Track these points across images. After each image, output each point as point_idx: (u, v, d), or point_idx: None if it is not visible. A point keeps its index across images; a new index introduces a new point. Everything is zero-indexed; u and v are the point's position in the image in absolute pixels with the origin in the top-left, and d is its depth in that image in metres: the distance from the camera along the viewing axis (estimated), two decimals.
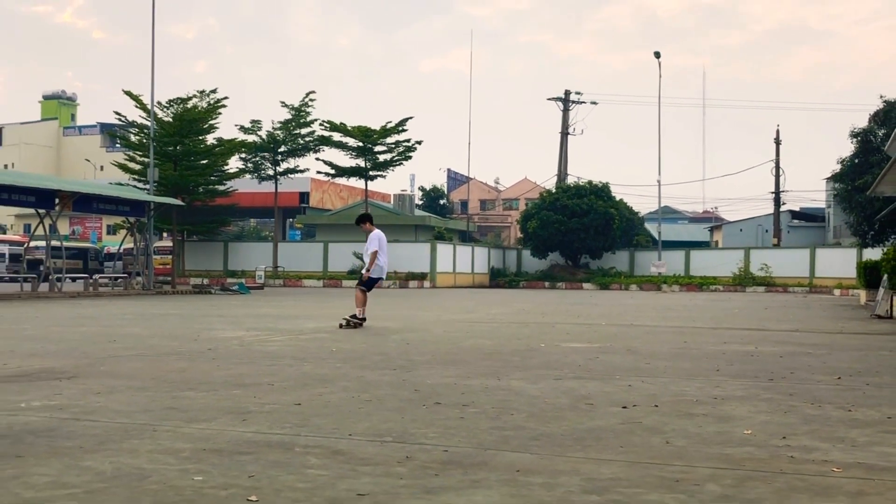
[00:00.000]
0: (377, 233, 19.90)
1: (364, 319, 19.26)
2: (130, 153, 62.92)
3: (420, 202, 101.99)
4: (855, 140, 56.57)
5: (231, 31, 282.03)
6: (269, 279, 61.20)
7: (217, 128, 61.07)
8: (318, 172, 69.79)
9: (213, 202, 63.76)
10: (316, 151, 66.47)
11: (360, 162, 65.31)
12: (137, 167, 60.55)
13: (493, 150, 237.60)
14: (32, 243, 51.33)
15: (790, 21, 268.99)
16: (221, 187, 63.22)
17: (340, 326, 18.95)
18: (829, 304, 39.11)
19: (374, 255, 19.50)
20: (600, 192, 71.45)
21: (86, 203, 42.69)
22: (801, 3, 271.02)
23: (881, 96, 55.46)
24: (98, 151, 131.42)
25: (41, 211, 39.97)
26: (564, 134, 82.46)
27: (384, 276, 20.42)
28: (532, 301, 38.85)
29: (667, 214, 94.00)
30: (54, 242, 42.84)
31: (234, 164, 65.45)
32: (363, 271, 20.18)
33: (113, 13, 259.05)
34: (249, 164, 66.38)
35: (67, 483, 5.31)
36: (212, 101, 59.94)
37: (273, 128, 65.11)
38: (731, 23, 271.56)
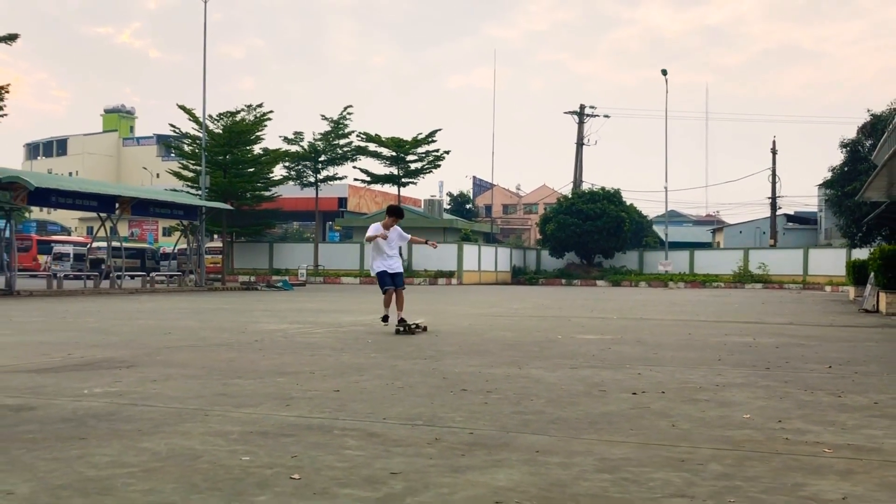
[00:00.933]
0: (393, 230, 17.63)
1: (386, 318, 17.57)
2: (184, 162, 63.09)
3: (448, 207, 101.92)
4: (844, 150, 56.97)
5: (276, 51, 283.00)
6: (311, 277, 61.29)
7: (263, 139, 61.32)
8: (355, 179, 69.86)
9: (260, 207, 63.91)
10: (353, 160, 66.53)
11: (394, 170, 65.38)
12: (190, 175, 60.74)
13: (514, 159, 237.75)
14: (95, 244, 51.50)
15: (785, 42, 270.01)
16: (267, 193, 63.33)
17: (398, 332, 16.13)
18: (820, 300, 38.94)
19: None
20: (612, 198, 71.51)
21: (143, 207, 42.83)
22: (794, 26, 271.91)
23: (868, 110, 55.80)
24: (154, 160, 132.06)
25: (103, 215, 40.09)
26: (580, 144, 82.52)
27: (380, 273, 17.51)
28: (550, 297, 38.80)
29: (673, 218, 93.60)
30: (114, 243, 43.04)
31: (278, 171, 65.62)
32: None
33: (167, 34, 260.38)
34: (292, 172, 66.48)
35: (126, 462, 5.32)
36: (258, 115, 60.11)
37: (314, 139, 65.22)
38: (731, 44, 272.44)
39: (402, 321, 16.62)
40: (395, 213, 17.81)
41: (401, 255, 17.77)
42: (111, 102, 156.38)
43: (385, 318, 17.59)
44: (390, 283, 17.35)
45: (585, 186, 78.45)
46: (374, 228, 17.33)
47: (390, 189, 70.57)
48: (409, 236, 18.43)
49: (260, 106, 60.32)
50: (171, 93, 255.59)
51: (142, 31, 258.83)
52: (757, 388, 8.98)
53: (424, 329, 16.38)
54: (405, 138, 64.15)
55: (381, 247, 17.44)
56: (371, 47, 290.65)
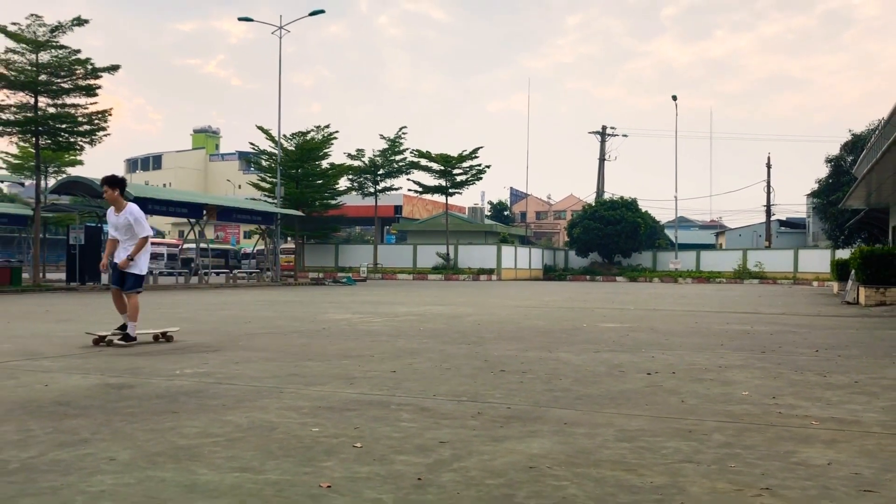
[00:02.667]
0: (121, 215, 11.23)
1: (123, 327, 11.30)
2: (262, 175, 63.41)
3: (488, 213, 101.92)
4: (829, 164, 57.31)
5: (340, 80, 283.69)
6: (371, 274, 61.36)
7: (330, 155, 61.49)
8: (409, 190, 70.00)
9: (327, 213, 64.05)
10: (407, 173, 66.60)
11: (442, 182, 65.33)
12: (267, 186, 61.05)
13: (546, 172, 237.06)
14: (185, 245, 51.94)
15: (777, 71, 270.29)
16: (333, 202, 63.49)
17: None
18: (809, 294, 38.64)
19: (145, 241, 11.22)
20: (630, 206, 71.78)
21: (227, 214, 43.11)
22: (786, 57, 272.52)
23: (850, 130, 56.18)
24: (236, 174, 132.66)
25: (192, 220, 40.35)
26: (602, 160, 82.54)
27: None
28: (576, 291, 38.68)
29: (682, 223, 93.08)
30: (202, 245, 43.30)
31: (343, 183, 65.73)
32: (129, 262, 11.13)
33: (247, 65, 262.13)
34: (355, 184, 66.66)
35: (212, 433, 5.37)
36: (326, 134, 60.34)
37: (373, 155, 65.39)
38: (731, 74, 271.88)
39: (121, 328, 11.27)
40: (112, 183, 11.23)
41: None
42: (199, 123, 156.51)
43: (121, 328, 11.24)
44: (115, 281, 11.32)
45: (607, 196, 78.34)
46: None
47: (439, 198, 70.55)
48: (142, 234, 11.24)
49: (327, 126, 60.62)
50: (250, 115, 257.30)
51: (225, 62, 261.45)
52: (754, 369, 8.94)
53: (168, 338, 11.56)
54: (452, 154, 64.12)
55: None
56: (421, 76, 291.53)
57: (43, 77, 33.40)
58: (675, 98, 77.68)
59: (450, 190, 65.77)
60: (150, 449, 4.91)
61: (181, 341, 11.55)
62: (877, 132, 31.10)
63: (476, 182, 66.05)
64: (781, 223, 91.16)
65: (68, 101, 34.40)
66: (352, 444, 5.08)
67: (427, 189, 66.71)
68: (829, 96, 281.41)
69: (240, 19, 49.84)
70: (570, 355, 10.13)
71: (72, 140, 35.55)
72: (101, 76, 34.39)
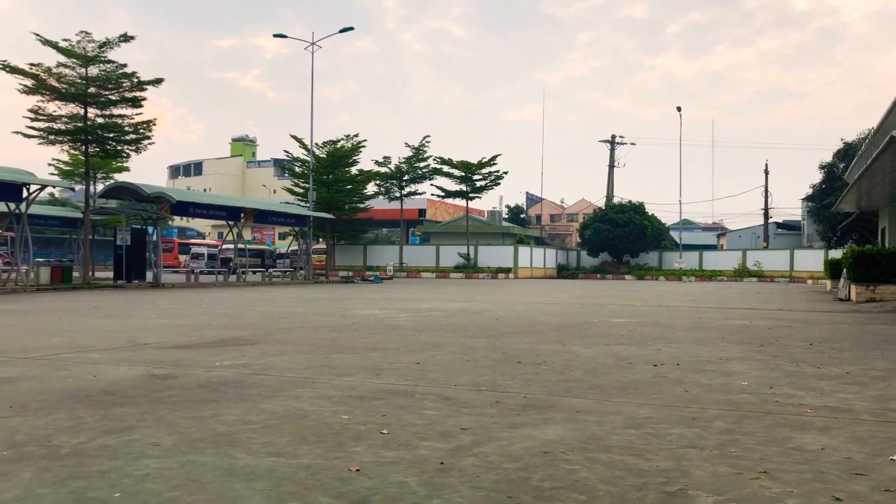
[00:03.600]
0: None
1: None
2: (295, 181, 63.54)
3: (506, 216, 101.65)
4: (823, 171, 57.37)
5: (367, 92, 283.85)
6: (397, 272, 61.38)
7: (358, 162, 61.46)
8: (432, 195, 69.93)
9: (356, 216, 64.06)
10: (430, 179, 66.52)
11: (463, 187, 65.22)
12: (300, 191, 61.20)
13: (559, 178, 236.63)
14: (224, 246, 52.08)
15: (774, 84, 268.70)
16: (361, 205, 63.49)
17: None
18: (804, 291, 38.42)
19: None
20: (637, 209, 71.48)
21: (263, 217, 43.23)
22: (783, 70, 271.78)
23: (842, 139, 56.23)
24: (272, 180, 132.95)
25: (230, 222, 40.48)
26: (611, 166, 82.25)
27: None
28: (587, 288, 38.61)
29: (686, 225, 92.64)
30: (240, 245, 43.40)
31: (370, 188, 65.73)
32: None
33: (281, 78, 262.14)
34: (382, 188, 66.70)
35: (250, 420, 5.40)
36: (355, 143, 60.33)
37: (399, 162, 65.47)
38: (732, 86, 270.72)
39: None
40: None
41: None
42: (237, 133, 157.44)
43: None
44: None
45: (616, 200, 78.09)
46: None
47: (460, 202, 70.52)
48: None
49: (356, 135, 60.59)
50: (284, 125, 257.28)
51: (261, 75, 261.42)
52: (753, 361, 8.92)
53: None
54: (472, 161, 64.04)
55: None
56: (443, 88, 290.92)
57: (92, 89, 33.69)
58: (679, 109, 78.63)
59: (470, 194, 65.69)
60: (191, 435, 4.95)
61: (220, 335, 11.61)
62: (867, 141, 31.09)
63: (494, 187, 65.96)
64: (778, 225, 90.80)
65: (115, 111, 34.71)
66: (379, 430, 5.11)
67: (449, 194, 66.66)
68: (823, 107, 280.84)
69: (275, 36, 49.91)
70: (582, 348, 10.13)
71: (119, 148, 35.85)
72: (145, 89, 34.65)
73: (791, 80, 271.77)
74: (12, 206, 28.81)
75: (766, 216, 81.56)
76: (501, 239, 75.92)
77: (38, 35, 31.96)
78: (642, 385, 7.08)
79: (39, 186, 29.29)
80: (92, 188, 41.29)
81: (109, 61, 33.53)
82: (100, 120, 34.52)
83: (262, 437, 4.89)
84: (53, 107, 33.83)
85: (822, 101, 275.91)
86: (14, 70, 32.44)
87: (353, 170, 61.88)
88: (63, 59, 32.96)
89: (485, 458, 4.40)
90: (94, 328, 12.83)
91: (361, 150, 60.57)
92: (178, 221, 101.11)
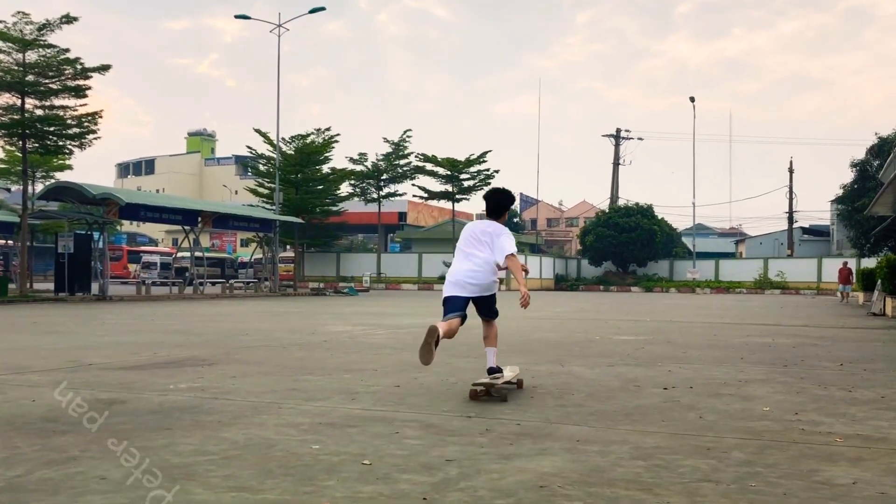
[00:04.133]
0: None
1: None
2: (259, 180, 63.60)
3: None
4: (854, 169, 57.22)
5: (340, 80, 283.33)
6: (374, 283, 61.40)
7: (331, 159, 61.68)
8: (414, 196, 70.25)
9: (328, 220, 64.21)
10: (412, 178, 66.81)
11: (448, 187, 65.46)
12: (265, 192, 61.21)
13: (557, 177, 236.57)
14: (180, 254, 51.93)
15: (797, 71, 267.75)
16: (334, 208, 63.67)
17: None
18: (833, 305, 38.60)
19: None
20: (645, 212, 71.79)
21: (223, 221, 43.18)
22: (804, 56, 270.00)
23: (876, 133, 56.14)
24: (233, 179, 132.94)
25: (187, 227, 40.47)
26: (616, 164, 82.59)
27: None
28: (589, 301, 38.72)
29: (700, 230, 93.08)
30: (197, 253, 43.35)
31: (344, 189, 65.98)
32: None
33: (241, 65, 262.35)
34: (357, 189, 66.91)
35: (208, 451, 5.38)
36: (326, 137, 60.44)
37: (377, 159, 65.65)
38: (749, 74, 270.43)
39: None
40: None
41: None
42: (192, 126, 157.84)
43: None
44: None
45: (621, 202, 78.51)
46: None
47: (445, 204, 70.67)
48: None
49: (328, 129, 60.73)
50: (247, 118, 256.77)
51: (219, 62, 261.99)
52: (775, 383, 8.95)
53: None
54: (459, 159, 64.26)
55: None
56: (425, 77, 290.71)
57: (30, 77, 33.54)
58: (692, 100, 78.41)
59: (457, 196, 65.88)
60: (142, 467, 4.92)
61: (175, 355, 11.58)
62: None
63: (484, 187, 66.03)
64: (804, 230, 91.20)
65: (57, 102, 34.54)
66: (354, 462, 5.10)
67: (433, 195, 66.82)
68: (851, 98, 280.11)
69: (236, 17, 50.15)
70: (583, 369, 10.15)
71: (60, 143, 35.70)
72: (90, 76, 34.53)
73: (815, 66, 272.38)
74: None
75: (791, 220, 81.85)
76: None
77: None
78: (651, 411, 7.10)
79: None
80: (30, 189, 41.13)
81: (50, 45, 33.44)
82: (39, 112, 34.37)
83: (221, 470, 4.87)
84: None
85: (850, 90, 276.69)
86: None
87: (325, 168, 61.99)
88: None
89: (473, 494, 4.39)
90: (33, 346, 12.78)
91: (334, 145, 60.72)
92: (128, 226, 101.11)
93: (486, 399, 7.58)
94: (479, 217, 69.09)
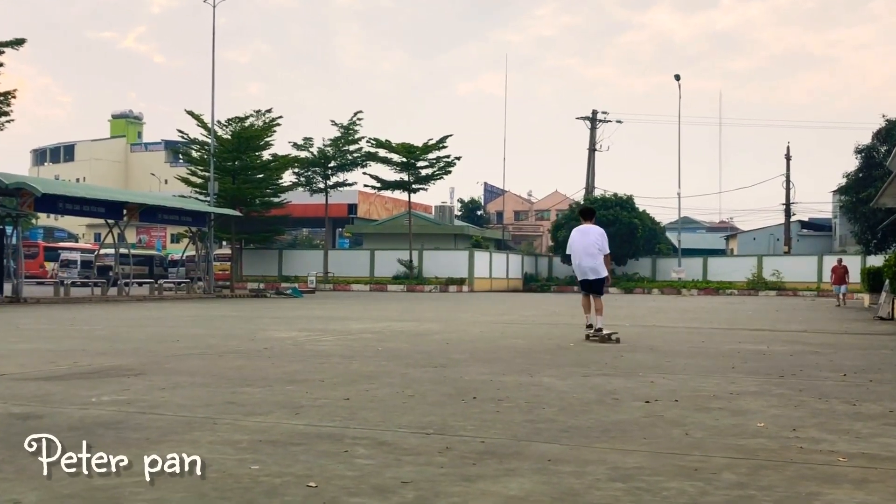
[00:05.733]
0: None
1: (590, 326, 16.37)
2: (192, 168, 63.45)
3: (459, 213, 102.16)
4: (859, 156, 56.96)
5: (283, 57, 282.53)
6: (320, 284, 61.32)
7: (272, 144, 61.60)
8: (365, 186, 70.18)
9: (269, 213, 64.16)
10: (363, 166, 66.74)
11: (404, 176, 65.49)
12: (199, 181, 61.03)
13: (526, 166, 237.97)
14: (102, 251, 51.69)
15: (794, 47, 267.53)
16: (276, 199, 63.64)
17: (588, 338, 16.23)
18: (835, 307, 38.92)
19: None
20: (625, 204, 71.80)
21: (151, 214, 43.01)
22: (802, 30, 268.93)
23: (883, 115, 55.90)
24: (162, 166, 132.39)
25: (110, 221, 40.24)
26: (592, 150, 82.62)
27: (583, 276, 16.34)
28: (562, 304, 38.80)
29: (686, 224, 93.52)
30: (122, 250, 43.09)
31: (287, 177, 65.97)
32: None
33: (171, 39, 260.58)
34: (302, 178, 66.78)
35: (134, 472, 5.33)
36: (267, 120, 60.36)
37: (324, 144, 65.53)
38: (740, 50, 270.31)
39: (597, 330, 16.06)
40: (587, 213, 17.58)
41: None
42: (116, 108, 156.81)
43: (590, 327, 16.38)
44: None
45: (598, 192, 78.71)
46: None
47: (401, 195, 70.71)
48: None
49: (269, 111, 60.63)
50: (178, 98, 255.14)
51: (145, 35, 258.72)
52: (771, 396, 8.97)
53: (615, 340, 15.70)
54: (415, 144, 64.26)
55: None
56: (379, 53, 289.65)
57: None
58: (678, 78, 77.19)
59: (413, 186, 65.91)
60: (61, 490, 4.88)
61: (97, 364, 11.49)
62: None
63: (444, 176, 66.28)
64: (803, 224, 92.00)
65: None
66: (298, 484, 5.07)
67: (386, 185, 66.80)
68: (855, 76, 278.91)
69: None
70: (555, 380, 10.15)
71: None
72: (2, 52, 34.27)
73: (815, 42, 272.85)
74: None
75: (788, 213, 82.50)
76: (453, 242, 75.97)
77: None
78: (631, 426, 7.10)
79: None
80: None
81: None
82: None
83: (149, 493, 4.83)
84: None
85: (854, 68, 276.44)
86: None
87: (266, 154, 61.95)
88: None
89: None
90: None
91: (276, 129, 60.67)
92: (45, 220, 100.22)
93: (444, 413, 7.56)
94: (440, 209, 69.22)
